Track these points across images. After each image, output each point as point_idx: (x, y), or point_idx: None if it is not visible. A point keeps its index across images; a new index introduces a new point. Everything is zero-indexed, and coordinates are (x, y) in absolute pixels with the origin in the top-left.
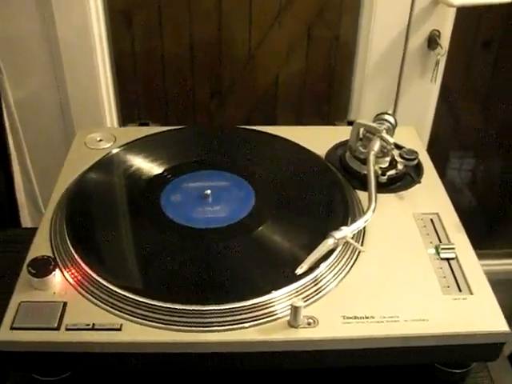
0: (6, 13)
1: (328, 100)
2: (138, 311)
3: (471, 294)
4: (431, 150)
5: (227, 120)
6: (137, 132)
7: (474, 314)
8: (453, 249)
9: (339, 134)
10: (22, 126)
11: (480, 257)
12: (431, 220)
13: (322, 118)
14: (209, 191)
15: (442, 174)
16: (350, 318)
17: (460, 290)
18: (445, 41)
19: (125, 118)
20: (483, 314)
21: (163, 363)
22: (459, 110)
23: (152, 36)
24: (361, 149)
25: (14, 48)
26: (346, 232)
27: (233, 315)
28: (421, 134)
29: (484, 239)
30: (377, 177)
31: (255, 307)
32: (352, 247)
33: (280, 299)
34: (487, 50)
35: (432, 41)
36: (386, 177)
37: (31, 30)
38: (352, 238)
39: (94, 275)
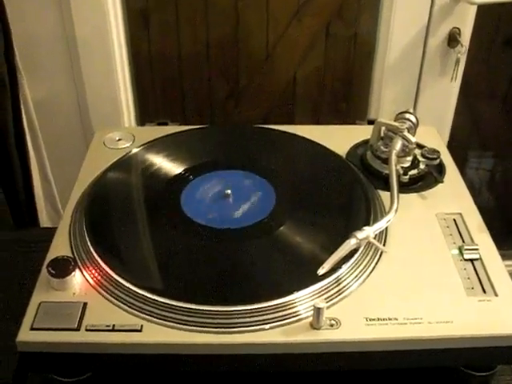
0: (26, 14)
1: (347, 98)
2: (159, 312)
3: (496, 295)
4: (451, 149)
5: (245, 119)
6: (155, 131)
7: (498, 316)
8: (476, 249)
9: (359, 133)
10: (40, 126)
11: (502, 257)
12: (454, 220)
13: (340, 117)
14: (229, 191)
15: (461, 173)
16: (373, 319)
17: (484, 292)
18: (465, 39)
19: (143, 118)
20: (508, 316)
21: (183, 364)
22: (479, 108)
23: (169, 36)
24: (382, 148)
25: (32, 49)
26: (368, 232)
27: (254, 316)
28: (440, 132)
29: (505, 239)
30: (399, 176)
31: (276, 308)
32: (374, 248)
33: (302, 300)
34: (508, 48)
35: (452, 39)
36: (407, 176)
37: (50, 31)
38: (374, 238)
39: (114, 275)
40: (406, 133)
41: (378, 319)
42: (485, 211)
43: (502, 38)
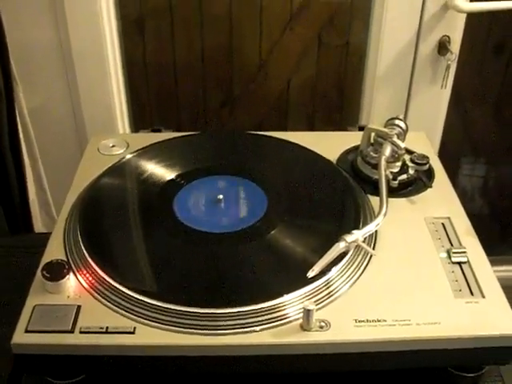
0: (21, 23)
1: (339, 106)
2: (151, 314)
3: (483, 297)
4: (442, 155)
5: (238, 126)
6: (149, 138)
7: (486, 318)
8: (464, 252)
9: (350, 139)
10: (35, 133)
11: (492, 263)
12: (442, 224)
13: (333, 124)
14: (221, 196)
15: (453, 179)
16: (362, 321)
17: (472, 294)
18: (455, 46)
19: (137, 125)
20: (495, 317)
21: (176, 366)
22: (471, 115)
23: (164, 44)
24: (372, 154)
25: (27, 57)
26: (357, 235)
27: (245, 318)
28: (432, 139)
29: (496, 245)
30: (388, 181)
31: (267, 310)
32: (364, 251)
33: (292, 302)
34: (498, 55)
35: (442, 46)
36: (397, 181)
37: (45, 40)
38: (363, 241)
39: (108, 278)
40: (395, 138)
41: (367, 321)
42: (477, 217)
43: (493, 44)
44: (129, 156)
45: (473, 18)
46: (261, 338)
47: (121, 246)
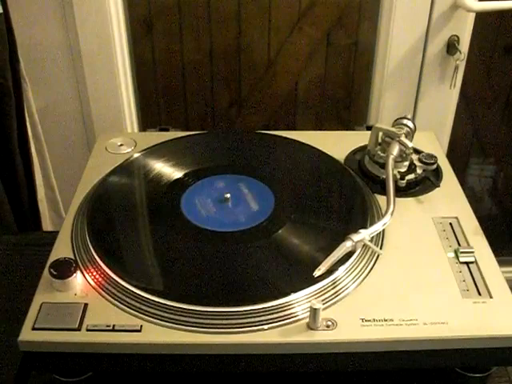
0: (29, 23)
1: (347, 105)
2: (158, 313)
3: (491, 297)
4: (451, 155)
5: (247, 126)
6: (157, 137)
7: (493, 318)
8: (472, 252)
9: (358, 138)
10: (44, 132)
11: (500, 263)
12: (450, 224)
13: (341, 124)
14: (229, 195)
15: (461, 179)
16: (369, 320)
17: (479, 294)
18: (464, 46)
19: (145, 124)
20: (503, 317)
21: (182, 364)
22: (479, 115)
23: (172, 43)
24: (380, 153)
25: (36, 57)
26: (363, 235)
27: (252, 317)
28: (440, 139)
29: (505, 246)
30: (395, 181)
31: (274, 309)
32: (371, 250)
33: (299, 301)
34: (508, 55)
35: (451, 46)
36: (404, 181)
37: (54, 40)
38: (370, 241)
39: (115, 277)
40: (403, 138)
41: (374, 320)
42: (485, 217)
43: (502, 44)
44: (136, 155)
45: (482, 18)
46: (268, 336)
47: (128, 244)
